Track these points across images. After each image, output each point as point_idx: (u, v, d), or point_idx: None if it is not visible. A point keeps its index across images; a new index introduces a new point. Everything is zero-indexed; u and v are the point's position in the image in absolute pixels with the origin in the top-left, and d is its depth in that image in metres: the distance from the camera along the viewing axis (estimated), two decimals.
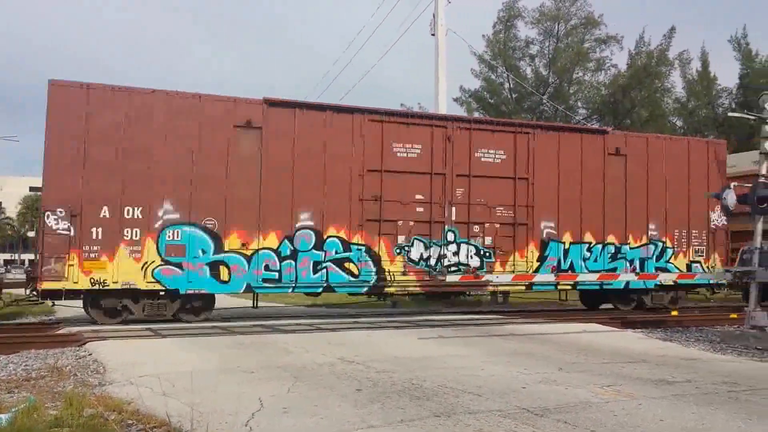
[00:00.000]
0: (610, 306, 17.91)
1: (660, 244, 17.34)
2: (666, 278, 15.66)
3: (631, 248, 17.02)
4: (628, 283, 15.71)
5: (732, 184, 12.30)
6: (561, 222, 16.29)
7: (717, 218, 17.89)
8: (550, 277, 15.14)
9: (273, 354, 9.42)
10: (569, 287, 16.76)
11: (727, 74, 78.31)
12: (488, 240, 15.68)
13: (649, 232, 17.29)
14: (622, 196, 16.93)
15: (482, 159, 15.73)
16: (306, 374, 7.78)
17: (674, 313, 16.61)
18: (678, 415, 5.99)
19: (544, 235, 16.14)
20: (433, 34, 23.45)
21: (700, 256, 17.81)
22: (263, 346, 10.27)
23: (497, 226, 15.75)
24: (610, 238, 16.76)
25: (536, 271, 15.83)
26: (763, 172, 11.74)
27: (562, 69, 31.32)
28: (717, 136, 33.99)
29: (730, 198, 11.81)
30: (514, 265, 15.81)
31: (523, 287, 16.47)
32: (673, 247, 17.44)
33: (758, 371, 8.62)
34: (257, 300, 14.66)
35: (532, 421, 5.66)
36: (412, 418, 5.73)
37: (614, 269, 16.62)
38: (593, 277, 15.24)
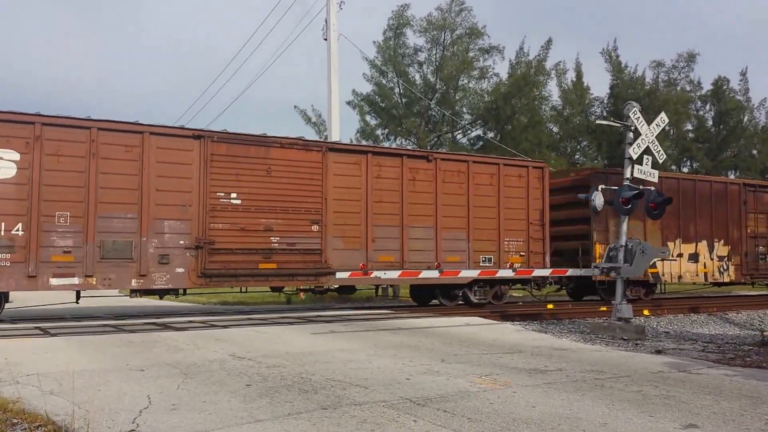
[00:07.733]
0: None
1: None
2: None
3: None
4: None
5: (600, 187, 13.20)
6: None
7: None
8: None
9: (163, 351, 9.31)
10: None
11: (600, 84, 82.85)
12: None
13: None
14: None
15: None
16: (196, 371, 7.76)
17: (550, 306, 17.63)
18: (549, 401, 6.35)
19: None
20: (325, 39, 23.56)
21: None
22: (154, 343, 10.12)
23: None
24: None
25: None
26: (627, 175, 12.72)
27: (449, 76, 32.25)
28: (590, 142, 36.01)
29: (598, 199, 12.72)
30: None
31: None
32: None
33: (622, 360, 9.18)
34: None
35: (414, 411, 5.89)
36: (299, 411, 5.85)
37: None
38: None
